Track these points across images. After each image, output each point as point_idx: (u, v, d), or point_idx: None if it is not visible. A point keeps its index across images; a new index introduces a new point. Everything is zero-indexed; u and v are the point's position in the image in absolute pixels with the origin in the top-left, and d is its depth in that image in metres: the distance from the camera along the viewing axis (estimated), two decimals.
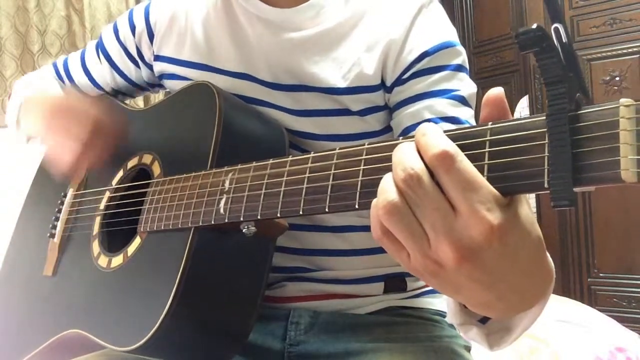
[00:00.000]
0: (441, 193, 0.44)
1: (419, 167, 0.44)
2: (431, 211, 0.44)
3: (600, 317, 1.59)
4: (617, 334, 1.48)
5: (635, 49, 2.62)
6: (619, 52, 2.65)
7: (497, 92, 0.47)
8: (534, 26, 0.38)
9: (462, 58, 0.84)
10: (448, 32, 0.84)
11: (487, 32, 3.41)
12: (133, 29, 0.98)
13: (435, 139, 0.44)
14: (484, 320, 0.58)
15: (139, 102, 2.46)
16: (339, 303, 0.90)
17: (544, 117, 0.41)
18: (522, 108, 3.01)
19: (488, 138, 0.44)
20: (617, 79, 2.65)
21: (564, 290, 2.73)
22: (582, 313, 1.60)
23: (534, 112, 2.92)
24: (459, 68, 0.83)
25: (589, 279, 2.75)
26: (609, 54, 2.68)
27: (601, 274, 2.72)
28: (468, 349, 0.90)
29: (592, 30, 2.71)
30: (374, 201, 0.46)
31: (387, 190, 0.45)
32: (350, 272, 0.90)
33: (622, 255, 2.65)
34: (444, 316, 0.93)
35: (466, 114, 0.81)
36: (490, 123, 0.45)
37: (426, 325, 0.90)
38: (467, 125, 0.79)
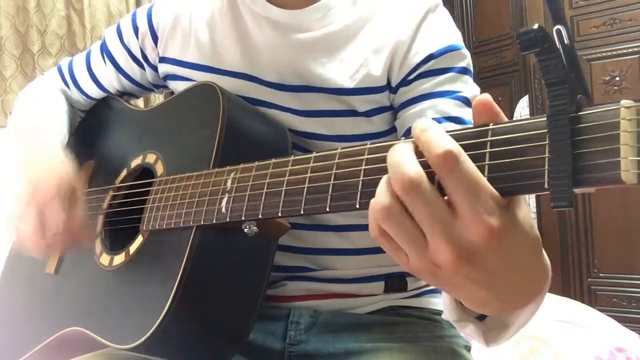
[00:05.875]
0: (439, 196, 0.43)
1: (415, 171, 0.43)
2: (428, 215, 0.43)
3: (600, 317, 1.59)
4: (617, 334, 1.48)
5: (635, 49, 2.62)
6: (619, 52, 2.66)
7: (484, 97, 0.46)
8: (535, 26, 0.38)
9: (467, 61, 0.85)
10: (454, 36, 0.85)
11: (487, 32, 3.41)
12: (136, 31, 0.98)
13: (439, 137, 0.43)
14: (480, 317, 0.58)
15: (139, 103, 2.45)
16: (339, 302, 0.90)
17: (545, 118, 0.41)
18: (522, 108, 3.01)
19: (489, 138, 0.44)
20: (617, 79, 2.65)
21: (564, 290, 2.73)
22: (582, 313, 1.60)
23: (534, 112, 2.92)
24: (464, 71, 0.84)
25: (589, 279, 2.75)
26: (609, 54, 2.68)
27: (601, 274, 2.72)
28: (468, 348, 0.90)
29: (592, 30, 2.71)
30: (372, 202, 0.46)
31: (383, 193, 0.45)
32: (351, 271, 0.90)
33: (622, 255, 2.65)
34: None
35: (469, 115, 0.81)
36: (491, 124, 0.45)
37: (427, 325, 0.90)
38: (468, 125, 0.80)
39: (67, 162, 0.87)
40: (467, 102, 0.82)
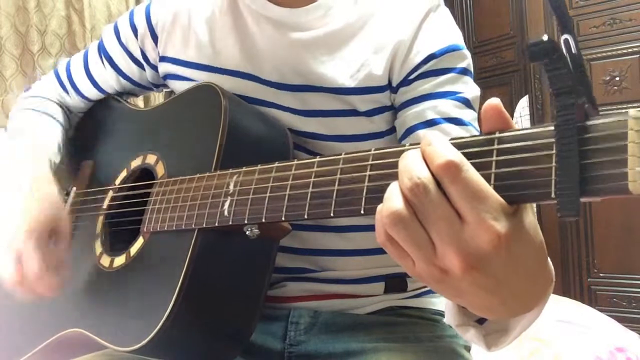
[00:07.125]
0: (447, 202, 0.44)
1: (425, 176, 0.44)
2: (437, 220, 0.44)
3: (600, 317, 1.59)
4: (617, 334, 1.48)
5: (635, 49, 2.62)
6: (619, 52, 2.66)
7: (494, 102, 0.46)
8: (545, 37, 0.38)
9: (468, 62, 0.85)
10: (455, 36, 0.85)
11: (487, 32, 3.41)
12: (135, 30, 0.97)
13: (441, 148, 0.44)
14: (481, 321, 0.58)
15: (138, 102, 2.45)
16: (339, 303, 0.90)
17: (552, 127, 0.41)
18: (522, 108, 3.01)
19: (495, 147, 0.45)
20: (617, 79, 2.65)
21: (564, 290, 2.73)
22: (582, 313, 1.60)
23: (534, 112, 2.92)
24: (464, 71, 0.84)
25: (589, 279, 2.76)
26: (609, 54, 2.68)
27: (601, 274, 2.72)
28: (468, 348, 0.90)
29: (592, 30, 2.71)
30: (379, 207, 0.46)
31: (393, 198, 0.45)
32: (351, 272, 0.90)
33: (622, 255, 2.65)
34: (444, 316, 0.93)
35: (469, 116, 0.81)
36: (497, 132, 0.45)
37: (426, 325, 0.91)
38: (471, 129, 0.80)
39: (49, 197, 0.86)
40: (467, 103, 0.82)
